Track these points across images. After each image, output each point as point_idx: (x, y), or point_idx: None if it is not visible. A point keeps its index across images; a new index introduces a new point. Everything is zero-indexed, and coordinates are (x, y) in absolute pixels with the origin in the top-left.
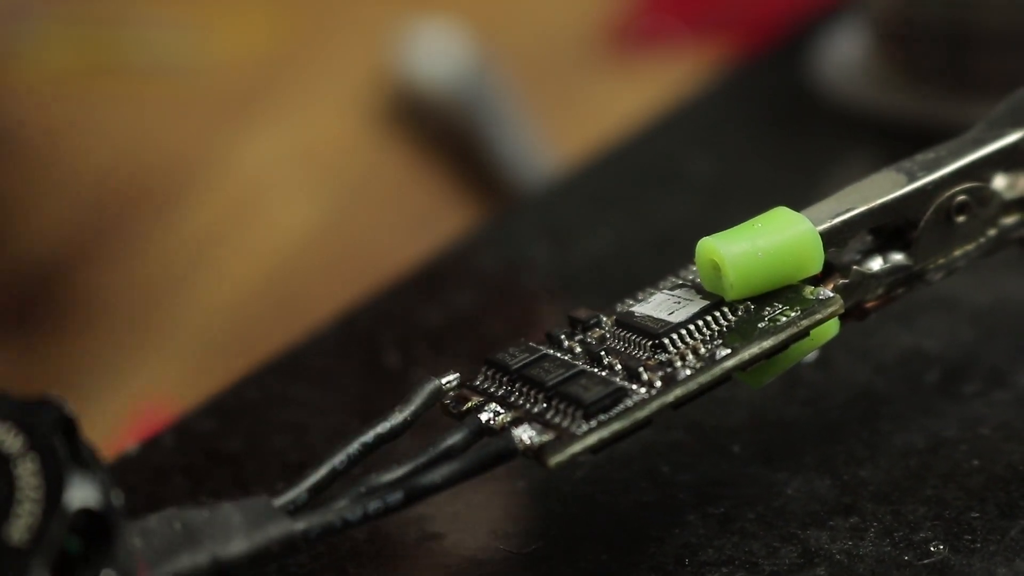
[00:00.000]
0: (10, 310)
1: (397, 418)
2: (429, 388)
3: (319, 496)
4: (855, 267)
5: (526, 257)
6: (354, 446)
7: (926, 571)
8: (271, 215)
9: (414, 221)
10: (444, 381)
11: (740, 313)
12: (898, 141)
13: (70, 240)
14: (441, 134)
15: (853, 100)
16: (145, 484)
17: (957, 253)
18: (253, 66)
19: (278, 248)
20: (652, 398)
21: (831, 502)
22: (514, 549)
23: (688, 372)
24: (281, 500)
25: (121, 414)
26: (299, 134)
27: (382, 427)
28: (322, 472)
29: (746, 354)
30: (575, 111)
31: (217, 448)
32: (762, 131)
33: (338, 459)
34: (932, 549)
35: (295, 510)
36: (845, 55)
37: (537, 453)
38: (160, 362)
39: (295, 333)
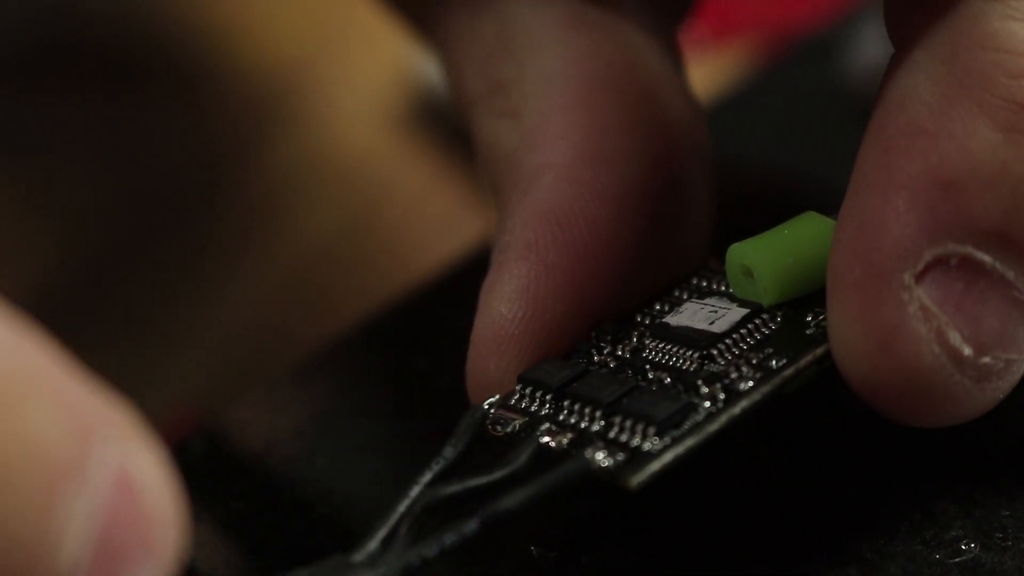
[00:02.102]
0: (41, 316)
1: (450, 454)
2: (475, 416)
3: (392, 544)
4: None
5: None
6: (415, 490)
7: (957, 569)
8: (294, 220)
9: (437, 226)
10: (486, 405)
11: (780, 320)
12: None
13: (95, 245)
14: (464, 139)
15: None
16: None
17: None
18: (274, 71)
19: (302, 253)
20: (720, 411)
21: (860, 501)
22: (543, 551)
23: (750, 383)
24: (358, 556)
25: (150, 420)
26: (322, 139)
27: (437, 465)
28: (391, 521)
29: (802, 362)
30: None
31: (244, 452)
32: (790, 133)
33: (403, 505)
34: (963, 547)
35: (371, 562)
36: (875, 55)
37: (614, 475)
38: (186, 367)
39: (320, 338)
